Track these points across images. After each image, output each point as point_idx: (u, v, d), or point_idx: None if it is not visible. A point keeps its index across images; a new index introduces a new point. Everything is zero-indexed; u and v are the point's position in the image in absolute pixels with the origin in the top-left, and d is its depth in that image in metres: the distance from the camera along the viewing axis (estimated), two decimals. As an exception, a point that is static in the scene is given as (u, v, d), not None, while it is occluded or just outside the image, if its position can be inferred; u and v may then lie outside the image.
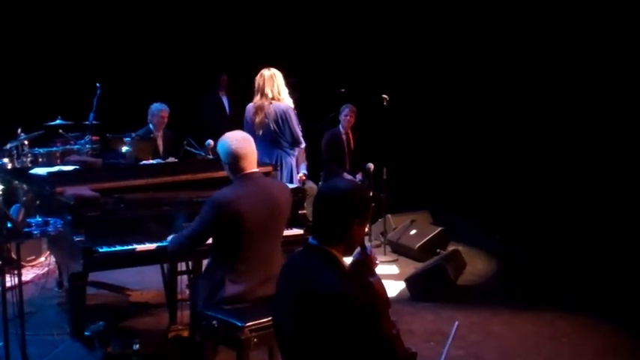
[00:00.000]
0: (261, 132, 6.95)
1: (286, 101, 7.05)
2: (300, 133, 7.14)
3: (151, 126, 8.64)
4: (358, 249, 3.14)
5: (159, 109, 8.55)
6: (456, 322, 3.34)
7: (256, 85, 7.02)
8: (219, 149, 4.55)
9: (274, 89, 6.96)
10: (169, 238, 4.65)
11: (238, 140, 4.53)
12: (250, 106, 7.07)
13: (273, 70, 7.03)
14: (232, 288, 4.40)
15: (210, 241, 4.60)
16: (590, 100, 9.09)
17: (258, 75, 7.04)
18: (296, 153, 7.33)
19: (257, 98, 7.01)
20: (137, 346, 4.95)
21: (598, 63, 8.97)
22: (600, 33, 8.84)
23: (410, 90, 10.88)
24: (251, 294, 4.42)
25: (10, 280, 4.75)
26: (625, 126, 8.76)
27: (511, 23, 10.03)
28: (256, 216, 4.36)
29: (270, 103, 6.94)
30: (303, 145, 7.36)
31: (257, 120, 6.95)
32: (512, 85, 10.07)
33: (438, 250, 7.99)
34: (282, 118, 6.94)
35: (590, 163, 9.06)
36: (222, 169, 4.72)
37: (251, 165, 4.51)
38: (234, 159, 4.46)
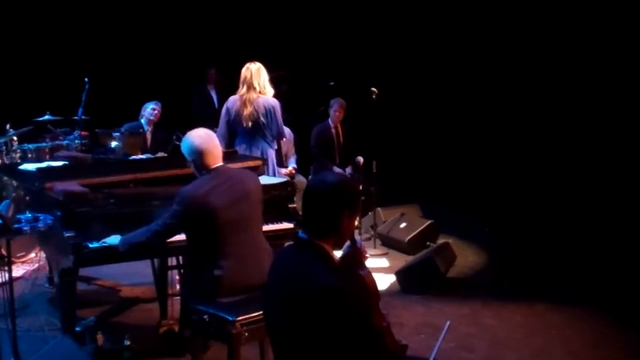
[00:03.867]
0: (250, 124, 7.02)
1: (269, 95, 7.16)
2: (283, 127, 7.27)
3: (142, 121, 8.66)
4: (348, 242, 3.15)
5: (152, 105, 8.66)
6: (448, 322, 3.35)
7: (242, 77, 7.11)
8: (183, 148, 4.61)
9: (261, 83, 7.08)
10: (115, 238, 4.66)
11: (201, 137, 4.58)
12: (235, 98, 7.13)
13: (259, 64, 7.15)
14: (219, 285, 4.40)
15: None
16: (577, 93, 9.11)
17: (245, 68, 7.13)
18: (275, 146, 7.40)
19: (243, 91, 7.09)
20: (128, 341, 4.96)
21: (583, 56, 8.99)
22: (597, 33, 8.86)
23: (399, 83, 10.90)
24: (239, 284, 4.43)
25: (0, 277, 4.76)
26: (609, 119, 8.79)
27: (499, 16, 10.05)
28: (229, 206, 4.41)
29: (258, 96, 7.03)
30: (285, 137, 7.47)
31: (245, 112, 7.03)
32: (500, 79, 10.08)
33: (428, 243, 8.01)
34: (270, 112, 7.06)
35: (578, 155, 9.09)
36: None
37: (215, 160, 4.56)
38: (199, 156, 4.52)
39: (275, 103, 7.12)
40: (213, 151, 4.55)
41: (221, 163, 4.61)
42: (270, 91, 7.16)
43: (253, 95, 7.03)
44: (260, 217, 4.72)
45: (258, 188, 4.71)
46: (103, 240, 4.76)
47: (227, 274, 4.41)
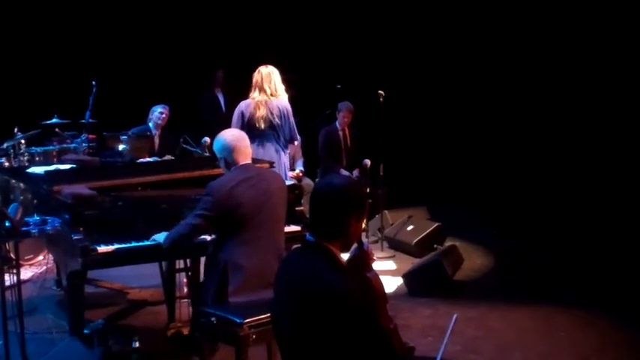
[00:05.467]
0: (263, 125, 7.04)
1: (283, 98, 7.15)
2: (296, 130, 7.26)
3: (150, 124, 8.67)
4: (355, 245, 3.15)
5: (159, 109, 8.66)
6: (455, 315, 3.35)
7: (254, 81, 7.13)
8: (215, 145, 4.75)
9: (272, 86, 7.08)
10: (161, 235, 4.72)
11: (234, 135, 4.78)
12: (249, 101, 7.12)
13: (271, 68, 7.14)
14: (236, 275, 4.46)
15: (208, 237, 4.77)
16: (586, 93, 9.10)
17: (256, 72, 7.14)
18: (288, 150, 7.41)
19: (255, 94, 7.09)
20: (136, 343, 4.97)
21: (597, 58, 8.98)
22: (600, 33, 8.85)
23: (406, 86, 10.90)
24: (255, 279, 4.47)
25: (8, 279, 4.77)
26: (618, 119, 8.78)
27: (507, 17, 10.05)
28: (251, 202, 4.50)
29: (270, 99, 7.05)
30: (298, 141, 7.46)
31: (258, 114, 7.03)
32: (507, 81, 10.08)
33: (435, 246, 8.01)
34: (283, 115, 7.08)
35: (586, 158, 9.08)
36: (218, 167, 4.89)
37: (245, 158, 4.70)
38: (229, 152, 4.66)
39: (287, 104, 7.14)
40: (244, 150, 4.70)
41: (249, 162, 4.74)
42: (283, 94, 7.17)
43: (265, 98, 7.05)
44: (282, 218, 4.79)
45: (283, 190, 4.81)
46: (153, 237, 4.81)
47: (243, 265, 4.46)
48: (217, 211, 4.46)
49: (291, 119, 7.13)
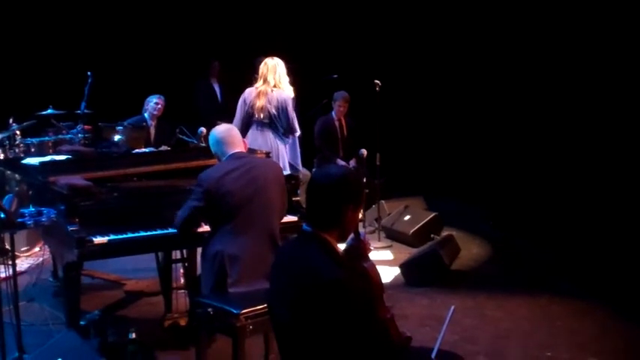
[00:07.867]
0: (261, 115, 7.29)
1: (287, 90, 7.39)
2: (295, 122, 7.41)
3: (146, 115, 8.67)
4: (352, 235, 3.15)
5: (155, 99, 8.67)
6: (452, 307, 3.35)
7: (260, 72, 7.38)
8: (210, 143, 4.83)
9: (276, 77, 7.34)
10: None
11: (220, 129, 4.85)
12: (252, 89, 7.37)
13: (277, 60, 7.41)
14: (233, 267, 4.45)
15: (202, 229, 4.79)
16: (581, 88, 9.09)
17: (262, 63, 7.40)
18: (290, 141, 7.47)
19: (259, 84, 7.35)
20: (133, 334, 4.96)
21: (597, 53, 8.96)
22: (601, 30, 8.83)
23: (402, 75, 10.88)
24: (252, 269, 4.46)
25: (4, 271, 4.75)
26: (610, 112, 8.77)
27: (505, 7, 10.02)
28: (240, 189, 4.50)
29: (272, 89, 7.27)
30: (298, 133, 7.52)
31: (258, 104, 7.29)
32: (504, 71, 10.06)
33: (432, 236, 8.01)
34: (282, 106, 7.28)
35: (581, 148, 9.07)
36: (214, 157, 4.88)
37: (234, 147, 4.73)
38: (218, 145, 4.73)
39: (287, 97, 7.34)
40: (231, 140, 4.74)
41: (240, 150, 4.74)
42: (287, 86, 7.41)
43: (268, 88, 7.27)
44: (278, 207, 4.75)
45: (279, 178, 4.80)
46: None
47: (239, 256, 4.45)
48: (207, 200, 4.47)
49: (290, 111, 7.30)
